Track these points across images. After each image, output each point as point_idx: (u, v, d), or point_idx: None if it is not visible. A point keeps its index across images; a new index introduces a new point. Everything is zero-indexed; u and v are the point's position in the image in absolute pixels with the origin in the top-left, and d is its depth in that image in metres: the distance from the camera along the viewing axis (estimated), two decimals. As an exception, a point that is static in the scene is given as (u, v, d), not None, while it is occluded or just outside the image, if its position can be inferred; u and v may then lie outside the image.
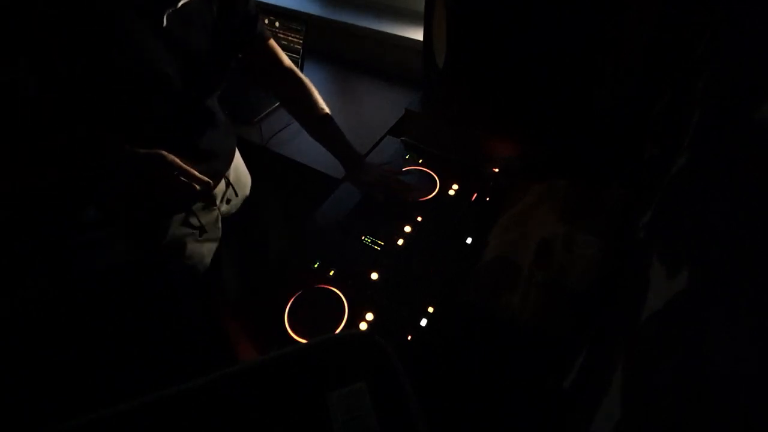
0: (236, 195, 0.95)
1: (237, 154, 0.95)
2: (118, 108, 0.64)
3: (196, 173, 0.70)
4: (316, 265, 0.82)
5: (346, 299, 0.76)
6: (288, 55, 1.30)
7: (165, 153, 0.66)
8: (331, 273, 0.81)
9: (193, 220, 0.83)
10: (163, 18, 0.64)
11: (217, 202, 0.88)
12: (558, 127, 0.91)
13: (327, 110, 0.93)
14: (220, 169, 0.87)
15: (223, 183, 0.89)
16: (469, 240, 0.85)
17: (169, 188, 0.68)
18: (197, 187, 0.70)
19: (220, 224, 0.92)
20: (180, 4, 0.65)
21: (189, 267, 0.85)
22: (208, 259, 0.89)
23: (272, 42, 0.88)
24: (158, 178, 0.67)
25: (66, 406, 0.93)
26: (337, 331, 0.73)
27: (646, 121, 0.83)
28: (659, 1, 0.72)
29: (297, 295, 0.77)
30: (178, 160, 0.67)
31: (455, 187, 0.95)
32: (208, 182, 0.72)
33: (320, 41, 1.44)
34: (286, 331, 0.73)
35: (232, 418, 0.40)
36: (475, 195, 0.93)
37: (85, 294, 0.84)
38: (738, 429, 0.24)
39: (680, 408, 0.29)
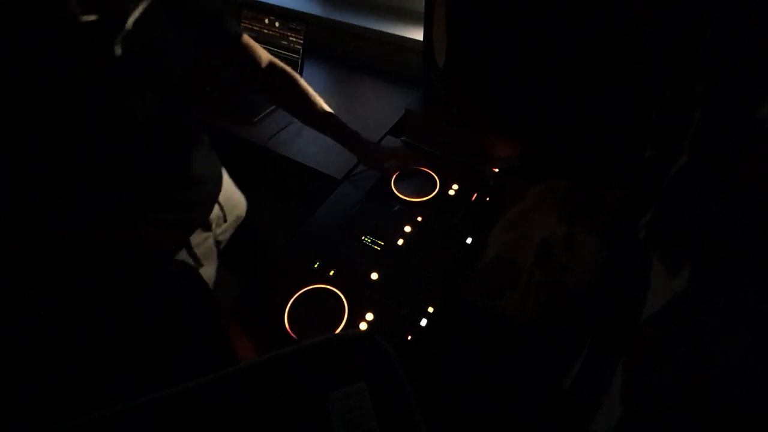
0: (228, 218, 0.92)
1: (226, 175, 0.92)
2: (88, 146, 0.59)
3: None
4: (316, 265, 0.82)
5: (346, 299, 0.76)
6: (288, 55, 1.32)
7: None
8: (331, 273, 0.81)
9: (185, 257, 0.82)
10: (114, 47, 0.55)
11: (213, 227, 0.87)
12: (558, 127, 0.91)
13: (316, 97, 0.91)
14: (211, 191, 0.84)
15: (216, 207, 0.86)
16: (469, 240, 0.85)
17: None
18: None
19: (215, 252, 0.90)
20: (131, 22, 0.56)
21: (191, 270, 0.85)
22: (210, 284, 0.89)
23: (247, 38, 0.83)
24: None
25: (66, 406, 0.93)
26: (337, 331, 0.73)
27: (646, 121, 0.83)
28: (659, 1, 0.72)
29: (297, 295, 0.77)
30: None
31: (455, 187, 0.95)
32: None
33: (320, 41, 1.44)
34: (286, 331, 0.73)
35: (232, 418, 0.40)
36: (475, 195, 0.93)
37: (86, 293, 0.84)
38: (738, 429, 0.24)
39: (680, 408, 0.29)
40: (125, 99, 0.59)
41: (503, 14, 0.83)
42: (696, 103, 0.59)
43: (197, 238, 0.83)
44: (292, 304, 0.76)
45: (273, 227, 1.15)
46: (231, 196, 0.94)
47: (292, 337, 0.73)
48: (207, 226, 0.85)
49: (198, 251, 0.83)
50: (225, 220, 0.92)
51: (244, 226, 0.99)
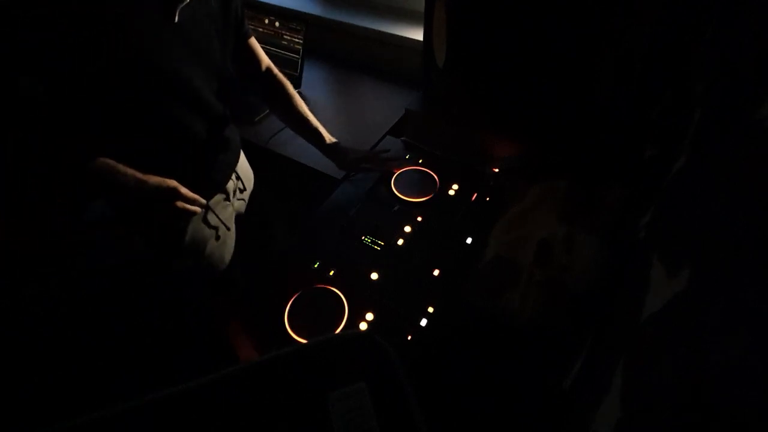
0: (244, 189, 0.96)
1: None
2: (135, 107, 0.64)
3: (197, 197, 0.73)
4: (316, 265, 0.82)
5: (346, 299, 0.76)
6: (288, 55, 1.32)
7: (175, 184, 0.69)
8: (331, 273, 0.81)
9: (211, 218, 0.84)
10: (175, 13, 0.63)
11: (230, 197, 0.89)
12: (558, 127, 0.91)
13: (302, 104, 0.97)
14: (231, 161, 0.88)
15: (234, 176, 0.90)
16: (469, 240, 0.85)
17: (172, 214, 0.71)
18: (198, 210, 0.74)
19: (233, 221, 0.92)
20: None
21: (205, 267, 0.85)
22: (227, 258, 0.90)
23: (254, 39, 0.90)
24: (164, 208, 0.70)
25: (66, 406, 0.93)
26: (337, 331, 0.73)
27: (646, 121, 0.83)
28: (659, 1, 0.72)
29: (297, 295, 0.77)
30: (183, 190, 0.70)
31: (455, 187, 0.95)
32: (203, 202, 0.76)
33: (320, 41, 1.44)
34: (286, 331, 0.73)
35: (232, 418, 0.40)
36: (475, 195, 0.93)
37: (89, 293, 0.85)
38: (738, 429, 0.24)
39: (680, 408, 0.29)
40: (178, 67, 0.66)
41: (503, 14, 0.83)
42: (696, 103, 0.59)
43: (218, 205, 0.86)
44: (292, 304, 0.76)
45: (273, 227, 1.15)
46: (246, 168, 0.99)
47: (292, 337, 0.73)
48: (226, 195, 0.88)
49: (222, 216, 0.87)
50: (243, 190, 0.95)
51: (244, 223, 0.99)
